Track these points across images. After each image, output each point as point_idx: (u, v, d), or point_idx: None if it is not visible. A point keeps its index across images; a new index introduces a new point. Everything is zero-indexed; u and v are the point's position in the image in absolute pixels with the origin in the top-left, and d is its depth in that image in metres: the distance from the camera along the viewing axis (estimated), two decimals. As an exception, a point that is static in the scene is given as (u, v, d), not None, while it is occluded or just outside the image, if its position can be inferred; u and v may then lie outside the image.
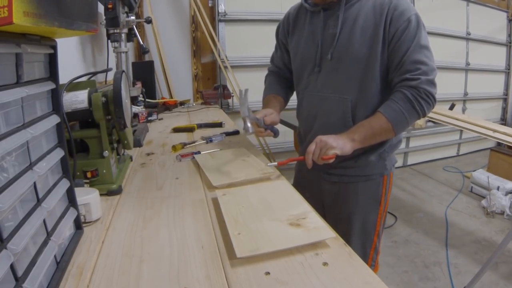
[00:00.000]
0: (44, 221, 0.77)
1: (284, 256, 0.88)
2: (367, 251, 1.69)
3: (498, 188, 4.06)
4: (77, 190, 1.02)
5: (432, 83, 1.43)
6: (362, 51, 1.47)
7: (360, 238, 1.67)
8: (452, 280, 2.82)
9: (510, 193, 3.97)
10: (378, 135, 1.47)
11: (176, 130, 2.29)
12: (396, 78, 1.47)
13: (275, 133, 1.64)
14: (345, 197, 1.67)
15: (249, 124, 1.51)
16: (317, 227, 0.99)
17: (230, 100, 4.11)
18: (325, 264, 0.85)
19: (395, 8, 1.42)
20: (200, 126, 2.36)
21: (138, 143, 1.89)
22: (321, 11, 1.55)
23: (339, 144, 1.40)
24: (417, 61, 1.42)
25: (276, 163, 1.48)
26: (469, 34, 5.67)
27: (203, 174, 1.47)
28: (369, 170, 1.63)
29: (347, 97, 1.53)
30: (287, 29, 1.73)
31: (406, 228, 3.68)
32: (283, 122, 3.37)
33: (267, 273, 0.81)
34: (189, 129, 2.30)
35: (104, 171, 1.28)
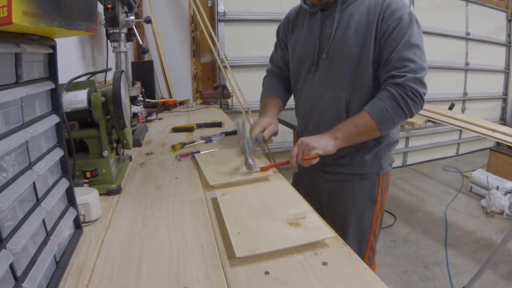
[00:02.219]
0: (43, 221, 0.77)
1: (283, 256, 0.88)
2: (363, 250, 1.70)
3: (497, 188, 4.06)
4: (77, 190, 1.02)
5: (420, 81, 1.41)
6: (354, 50, 1.48)
7: (356, 236, 1.68)
8: (451, 279, 2.82)
9: (510, 192, 3.98)
10: (363, 133, 1.46)
11: (176, 130, 2.29)
12: (384, 75, 1.46)
13: (274, 135, 1.65)
14: (341, 195, 1.68)
15: (251, 161, 1.46)
16: (316, 226, 0.99)
17: (229, 100, 4.11)
18: (324, 263, 0.85)
19: (388, 6, 1.43)
20: (200, 126, 2.36)
21: (137, 143, 1.89)
22: (319, 12, 1.57)
23: (320, 145, 1.41)
24: (405, 58, 1.41)
25: (258, 168, 1.46)
26: (469, 34, 5.67)
27: (202, 174, 1.47)
28: (364, 169, 1.64)
29: (341, 95, 1.54)
30: (287, 28, 1.75)
31: (405, 228, 3.69)
32: (282, 122, 3.37)
33: (267, 273, 0.81)
34: (188, 129, 2.30)
35: (104, 170, 1.28)
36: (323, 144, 1.41)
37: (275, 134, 1.65)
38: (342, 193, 1.68)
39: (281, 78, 1.88)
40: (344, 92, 1.53)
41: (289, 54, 1.75)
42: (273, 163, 1.53)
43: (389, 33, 1.42)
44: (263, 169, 1.46)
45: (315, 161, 1.41)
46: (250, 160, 1.46)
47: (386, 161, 1.68)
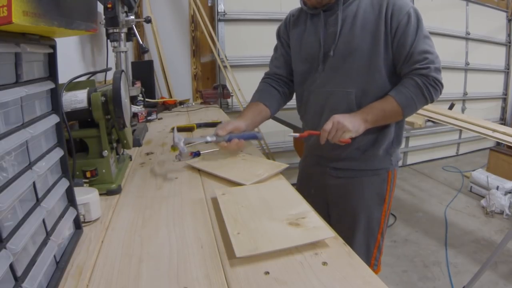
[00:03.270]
0: (43, 220, 0.77)
1: (283, 256, 0.88)
2: (371, 249, 1.70)
3: (497, 188, 4.06)
4: (77, 190, 1.02)
5: (439, 70, 1.50)
6: (364, 46, 1.51)
7: (364, 235, 1.69)
8: (451, 279, 2.82)
9: (510, 192, 3.98)
10: (389, 117, 1.56)
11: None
12: (406, 69, 1.52)
13: (251, 138, 1.59)
14: (351, 192, 1.69)
15: (182, 144, 1.46)
16: (317, 226, 0.99)
17: (229, 100, 4.11)
18: (324, 263, 0.85)
19: (394, 3, 1.48)
20: (200, 125, 2.36)
21: (137, 143, 1.89)
22: (321, 12, 1.58)
23: (354, 127, 1.46)
24: (423, 51, 1.48)
25: (297, 134, 1.56)
26: (469, 34, 5.67)
27: (202, 174, 1.47)
28: (375, 164, 1.67)
29: (350, 91, 1.56)
30: (288, 27, 1.75)
31: (405, 228, 3.69)
32: (282, 122, 3.37)
33: (267, 273, 0.81)
34: (188, 129, 2.29)
35: (104, 170, 1.28)
36: (357, 126, 1.47)
37: (252, 137, 1.59)
38: (352, 189, 1.69)
39: (278, 83, 1.81)
40: (353, 87, 1.56)
41: (291, 54, 1.75)
42: (308, 131, 1.57)
43: (402, 30, 1.48)
44: (300, 136, 1.57)
45: (344, 144, 1.50)
46: (181, 144, 1.47)
47: (395, 158, 1.72)
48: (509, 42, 6.19)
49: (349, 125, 1.45)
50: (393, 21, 1.48)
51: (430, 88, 1.49)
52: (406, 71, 1.52)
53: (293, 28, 1.72)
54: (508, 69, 6.30)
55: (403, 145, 5.47)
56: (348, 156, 1.65)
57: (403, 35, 1.48)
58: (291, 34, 1.73)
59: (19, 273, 0.64)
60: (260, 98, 1.75)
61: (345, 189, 1.70)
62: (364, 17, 1.51)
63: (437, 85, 1.51)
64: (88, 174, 1.26)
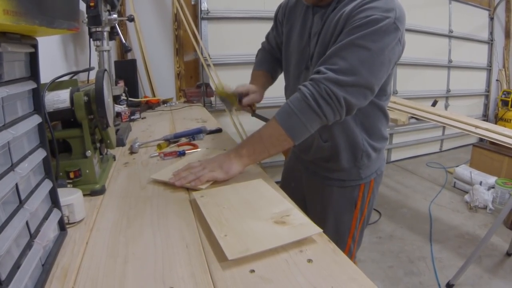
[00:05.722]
0: (27, 223, 0.76)
1: (268, 254, 0.88)
2: None
3: (480, 183, 4.12)
4: (60, 191, 1.01)
5: (341, 85, 1.20)
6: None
7: (333, 237, 1.66)
8: (437, 274, 2.85)
9: (492, 187, 4.03)
10: (270, 144, 1.32)
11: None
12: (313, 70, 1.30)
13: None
14: (321, 193, 1.65)
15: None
16: (303, 223, 0.99)
17: (212, 98, 4.09)
18: (309, 261, 0.85)
19: (363, 5, 1.24)
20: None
21: (121, 143, 1.88)
22: (313, 7, 1.45)
23: (223, 168, 1.32)
24: (340, 56, 1.21)
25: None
26: (452, 32, 5.72)
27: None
28: (342, 175, 1.58)
29: None
30: (284, 11, 1.63)
31: (390, 224, 3.71)
32: (266, 120, 3.37)
33: (252, 271, 0.81)
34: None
35: (87, 171, 1.27)
36: (226, 167, 1.32)
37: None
38: (322, 192, 1.65)
39: (273, 55, 1.84)
40: None
41: (282, 44, 1.67)
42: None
43: (345, 29, 1.25)
44: None
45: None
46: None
47: (368, 170, 1.58)
48: (491, 40, 6.26)
49: (215, 163, 1.33)
50: (347, 24, 1.25)
51: (319, 100, 1.21)
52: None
53: (289, 16, 1.59)
54: (490, 66, 6.38)
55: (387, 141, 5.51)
56: (316, 162, 1.62)
57: (339, 36, 1.25)
58: (285, 21, 1.62)
59: (3, 276, 0.63)
60: (265, 67, 1.83)
61: (317, 189, 1.67)
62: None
63: (331, 99, 1.21)
64: (71, 175, 1.24)
